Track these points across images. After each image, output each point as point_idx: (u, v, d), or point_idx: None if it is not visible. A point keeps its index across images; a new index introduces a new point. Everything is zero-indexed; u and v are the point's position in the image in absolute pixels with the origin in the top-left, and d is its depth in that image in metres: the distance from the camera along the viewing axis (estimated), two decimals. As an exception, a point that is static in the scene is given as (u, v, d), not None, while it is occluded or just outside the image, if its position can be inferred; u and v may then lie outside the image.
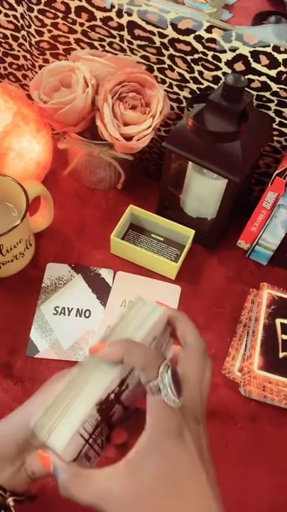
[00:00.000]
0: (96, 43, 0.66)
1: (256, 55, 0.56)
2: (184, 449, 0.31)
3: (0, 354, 0.58)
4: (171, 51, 0.61)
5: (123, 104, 0.62)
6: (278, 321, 0.60)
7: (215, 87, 0.62)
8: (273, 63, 0.56)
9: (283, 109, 0.61)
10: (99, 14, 0.62)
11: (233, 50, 0.57)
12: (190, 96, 0.65)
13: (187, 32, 0.58)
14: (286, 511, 0.51)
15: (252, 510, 0.51)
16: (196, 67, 0.61)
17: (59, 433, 0.32)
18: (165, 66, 0.63)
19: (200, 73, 0.62)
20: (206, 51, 0.59)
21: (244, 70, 0.58)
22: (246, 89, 0.56)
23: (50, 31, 0.67)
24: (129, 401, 0.36)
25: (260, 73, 0.58)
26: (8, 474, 0.35)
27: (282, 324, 0.59)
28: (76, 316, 0.62)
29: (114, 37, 0.64)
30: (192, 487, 0.30)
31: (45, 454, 0.33)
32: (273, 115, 0.62)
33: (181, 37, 0.59)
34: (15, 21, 0.70)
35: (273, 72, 0.57)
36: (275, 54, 0.55)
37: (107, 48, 0.66)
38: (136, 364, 0.32)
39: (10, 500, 0.35)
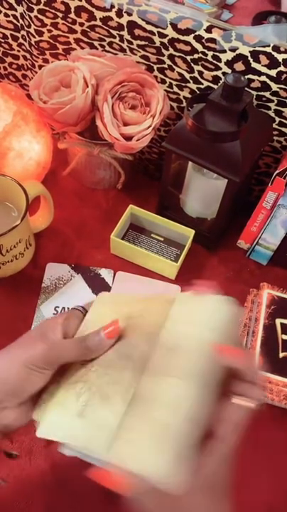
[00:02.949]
0: (96, 43, 0.66)
1: (256, 54, 0.56)
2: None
3: (0, 354, 0.58)
4: (171, 51, 0.61)
5: (123, 104, 0.62)
6: (278, 321, 0.60)
7: (215, 87, 0.62)
8: (273, 63, 0.56)
9: (283, 109, 0.61)
10: (98, 14, 0.61)
11: (233, 50, 0.57)
12: (189, 96, 0.65)
13: (187, 32, 0.58)
14: (286, 511, 0.51)
15: (251, 510, 0.51)
16: (196, 67, 0.61)
17: (178, 470, 0.28)
18: (165, 66, 0.63)
19: (200, 73, 0.62)
20: (206, 51, 0.59)
21: (244, 69, 0.58)
22: (246, 89, 0.56)
23: (49, 31, 0.67)
24: None
25: (260, 73, 0.58)
26: None
27: (282, 324, 0.59)
28: (76, 316, 0.62)
29: (114, 37, 0.64)
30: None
31: (123, 477, 0.30)
32: (273, 115, 0.62)
33: (181, 37, 0.59)
34: (15, 21, 0.70)
35: (273, 72, 0.57)
36: (275, 54, 0.55)
37: (107, 47, 0.66)
38: (253, 376, 0.33)
39: None
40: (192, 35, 0.58)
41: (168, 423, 0.29)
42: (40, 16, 0.65)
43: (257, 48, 0.56)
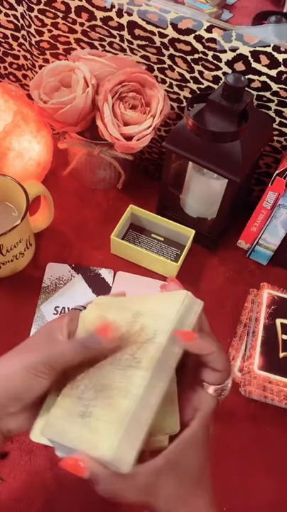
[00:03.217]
0: (96, 43, 0.66)
1: (256, 54, 0.56)
2: (208, 446, 0.34)
3: (0, 354, 0.58)
4: (171, 51, 0.61)
5: (123, 104, 0.62)
6: (278, 321, 0.60)
7: (215, 87, 0.62)
8: (274, 63, 0.56)
9: (283, 109, 0.61)
10: (99, 14, 0.61)
11: (233, 50, 0.57)
12: (190, 96, 0.65)
13: (188, 32, 0.58)
14: None
15: (253, 510, 0.51)
16: (196, 67, 0.61)
17: (126, 451, 0.30)
18: (166, 66, 0.63)
19: (200, 73, 0.62)
20: (206, 51, 0.59)
21: (244, 69, 0.58)
22: (246, 89, 0.56)
23: (50, 31, 0.67)
24: None
25: (260, 73, 0.58)
26: None
27: (282, 324, 0.59)
28: (76, 316, 0.62)
29: (114, 37, 0.64)
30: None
31: (79, 462, 0.31)
32: (273, 115, 0.62)
33: (181, 37, 0.59)
34: (15, 21, 0.70)
35: (273, 72, 0.57)
36: (275, 54, 0.55)
37: (107, 47, 0.66)
38: (221, 366, 0.34)
39: None
40: (193, 35, 0.58)
41: (119, 407, 0.31)
42: (40, 16, 0.65)
43: (257, 48, 0.56)
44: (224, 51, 0.58)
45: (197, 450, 0.33)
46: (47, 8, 0.64)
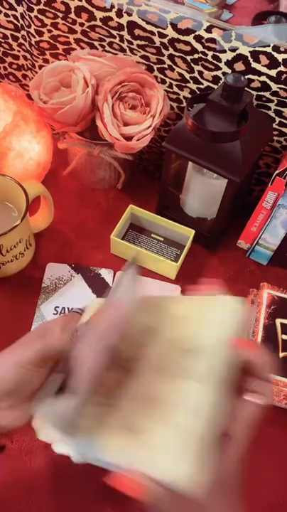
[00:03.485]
0: (96, 43, 0.66)
1: (256, 55, 0.56)
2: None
3: (0, 354, 0.58)
4: (171, 51, 0.61)
5: (123, 104, 0.62)
6: (278, 321, 0.60)
7: (215, 87, 0.62)
8: (273, 63, 0.56)
9: (282, 109, 0.61)
10: (98, 14, 0.61)
11: (233, 50, 0.57)
12: (190, 96, 0.65)
13: (187, 32, 0.58)
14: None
15: (252, 510, 0.51)
16: (196, 67, 0.61)
17: (201, 477, 0.29)
18: (165, 66, 0.63)
19: (200, 73, 0.62)
20: (206, 51, 0.59)
21: (244, 69, 0.58)
22: (246, 89, 0.56)
23: (50, 31, 0.67)
24: None
25: (260, 73, 0.58)
26: None
27: (282, 324, 0.59)
28: (76, 316, 0.62)
29: (114, 37, 0.64)
30: None
31: (143, 483, 0.29)
32: (273, 115, 0.62)
33: (181, 37, 0.59)
34: (15, 21, 0.70)
35: (273, 72, 0.57)
36: (275, 54, 0.55)
37: (107, 47, 0.66)
38: (265, 373, 0.34)
39: None
40: (192, 35, 0.58)
41: (192, 428, 0.30)
42: (40, 16, 0.65)
43: (257, 48, 0.56)
44: (224, 51, 0.58)
45: (239, 462, 0.32)
46: (47, 8, 0.64)
